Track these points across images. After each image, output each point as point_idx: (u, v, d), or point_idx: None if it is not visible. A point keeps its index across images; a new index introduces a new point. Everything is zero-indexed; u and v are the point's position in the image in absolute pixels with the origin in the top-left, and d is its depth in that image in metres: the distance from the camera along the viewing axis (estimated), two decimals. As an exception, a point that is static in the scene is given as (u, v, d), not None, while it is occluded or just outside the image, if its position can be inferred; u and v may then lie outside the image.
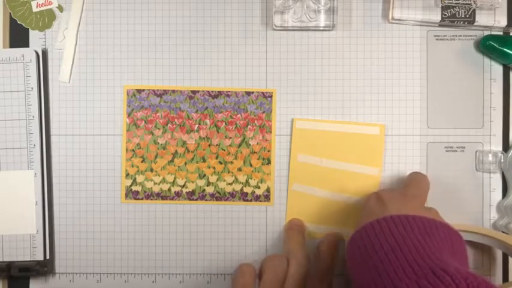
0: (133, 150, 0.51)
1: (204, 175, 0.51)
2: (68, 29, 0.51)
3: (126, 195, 0.52)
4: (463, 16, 0.49)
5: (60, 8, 0.52)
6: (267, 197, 0.51)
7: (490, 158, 0.50)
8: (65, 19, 0.52)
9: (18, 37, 0.52)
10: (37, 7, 0.51)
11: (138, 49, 0.52)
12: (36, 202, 0.50)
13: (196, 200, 0.52)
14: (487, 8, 0.49)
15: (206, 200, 0.51)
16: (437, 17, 0.50)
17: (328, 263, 0.47)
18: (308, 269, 0.46)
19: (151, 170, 0.51)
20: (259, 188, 0.51)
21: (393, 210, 0.42)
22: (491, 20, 0.49)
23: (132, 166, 0.51)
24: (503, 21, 0.49)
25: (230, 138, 0.51)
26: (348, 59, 0.51)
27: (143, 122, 0.51)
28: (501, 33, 0.50)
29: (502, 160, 0.50)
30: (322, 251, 0.48)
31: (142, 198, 0.52)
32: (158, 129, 0.51)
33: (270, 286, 0.45)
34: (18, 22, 0.51)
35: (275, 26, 0.50)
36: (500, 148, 0.51)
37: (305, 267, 0.46)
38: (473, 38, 0.51)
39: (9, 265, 0.50)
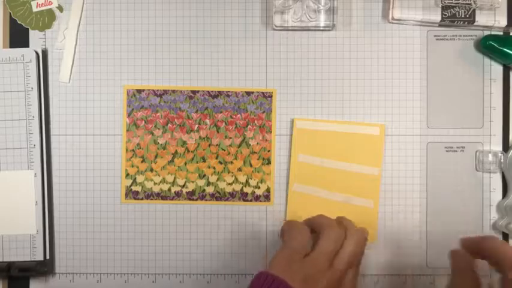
0: (133, 150, 0.51)
1: (204, 175, 0.51)
2: (68, 29, 0.51)
3: (126, 195, 0.52)
4: (463, 16, 0.49)
5: (60, 8, 0.52)
6: (267, 197, 0.51)
7: (490, 158, 0.50)
8: (65, 19, 0.52)
9: (18, 37, 0.52)
10: (37, 7, 0.51)
11: (138, 49, 0.52)
12: (36, 202, 0.50)
13: (196, 200, 0.52)
14: (487, 8, 0.49)
15: (206, 200, 0.51)
16: (437, 17, 0.50)
17: (357, 250, 0.45)
18: (362, 251, 0.44)
19: (151, 170, 0.51)
20: (259, 188, 0.51)
21: None
22: (491, 20, 0.49)
23: (132, 166, 0.51)
24: (503, 21, 0.49)
25: (230, 138, 0.51)
26: (348, 59, 0.51)
27: (143, 122, 0.51)
28: (501, 33, 0.50)
29: (502, 160, 0.50)
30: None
31: (142, 198, 0.52)
32: (158, 129, 0.51)
33: (325, 255, 0.43)
34: (18, 22, 0.51)
35: (275, 26, 0.50)
36: (500, 148, 0.51)
37: (361, 247, 0.44)
38: (473, 38, 0.51)
39: (9, 265, 0.50)
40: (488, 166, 0.50)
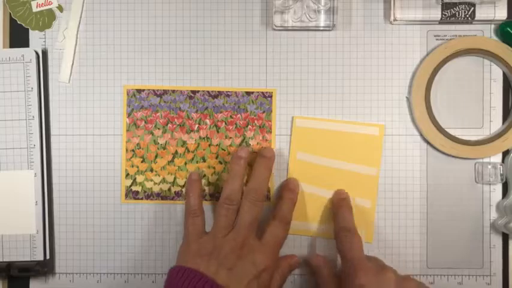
0: (133, 150, 0.51)
1: (204, 175, 0.51)
2: (68, 29, 0.51)
3: (126, 195, 0.52)
4: (463, 16, 0.49)
5: (60, 8, 0.52)
6: (267, 197, 0.51)
7: (490, 169, 0.50)
8: (65, 19, 0.52)
9: (18, 37, 0.52)
10: (37, 7, 0.51)
11: (138, 49, 0.52)
12: (36, 202, 0.50)
13: (196, 200, 0.51)
14: (488, 2, 0.49)
15: (206, 200, 0.51)
16: (437, 16, 0.50)
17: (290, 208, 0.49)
18: (260, 210, 0.47)
19: (151, 170, 0.51)
20: (259, 188, 0.51)
21: None
22: (491, 14, 0.49)
23: (132, 166, 0.51)
24: (503, 15, 0.49)
25: (230, 138, 0.51)
26: (348, 59, 0.51)
27: (143, 122, 0.51)
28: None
29: (501, 172, 0.50)
30: (285, 197, 0.50)
31: (142, 198, 0.52)
32: (158, 129, 0.51)
33: (222, 228, 0.46)
34: (18, 22, 0.51)
35: (275, 26, 0.50)
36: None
37: (257, 207, 0.47)
38: (473, 38, 0.51)
39: (9, 265, 0.50)
40: (487, 178, 0.50)
